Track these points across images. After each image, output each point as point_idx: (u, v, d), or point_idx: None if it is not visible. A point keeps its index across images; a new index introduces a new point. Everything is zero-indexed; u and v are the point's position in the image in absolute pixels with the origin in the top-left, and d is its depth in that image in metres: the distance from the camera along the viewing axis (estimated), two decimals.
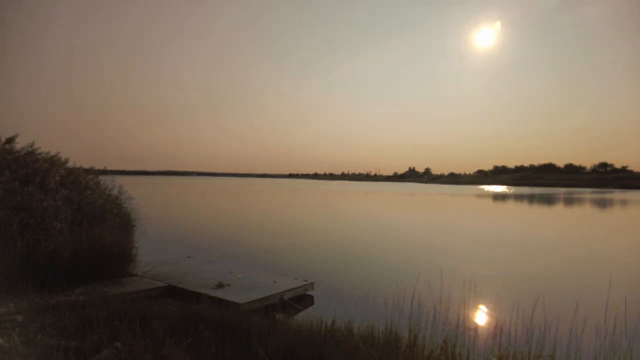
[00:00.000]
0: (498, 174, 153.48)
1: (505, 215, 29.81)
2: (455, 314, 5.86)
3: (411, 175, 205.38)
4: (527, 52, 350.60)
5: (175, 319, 4.74)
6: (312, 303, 7.59)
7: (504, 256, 13.26)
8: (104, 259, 7.22)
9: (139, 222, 9.12)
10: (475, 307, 7.34)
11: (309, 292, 8.01)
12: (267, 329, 4.39)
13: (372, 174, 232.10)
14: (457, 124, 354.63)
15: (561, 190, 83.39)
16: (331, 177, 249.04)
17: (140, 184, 67.93)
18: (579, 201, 47.38)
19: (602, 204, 43.74)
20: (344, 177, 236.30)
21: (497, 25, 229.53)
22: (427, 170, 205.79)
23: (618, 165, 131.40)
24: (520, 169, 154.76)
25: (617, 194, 65.79)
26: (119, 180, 9.78)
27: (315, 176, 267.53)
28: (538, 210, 34.53)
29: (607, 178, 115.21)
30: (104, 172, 9.90)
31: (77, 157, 9.21)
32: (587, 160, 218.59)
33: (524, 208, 37.44)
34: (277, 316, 5.30)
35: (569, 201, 47.35)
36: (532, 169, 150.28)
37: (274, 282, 7.81)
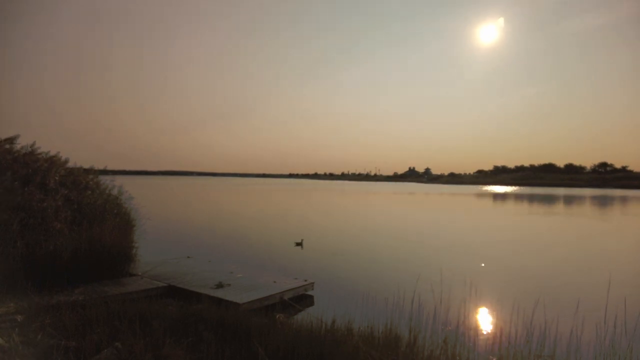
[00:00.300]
0: (498, 174, 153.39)
1: (505, 215, 29.80)
2: (456, 314, 5.87)
3: (411, 175, 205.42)
4: (527, 52, 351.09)
5: (175, 319, 4.73)
6: (312, 303, 7.59)
7: (504, 255, 13.26)
8: (104, 259, 7.22)
9: (139, 222, 9.12)
10: (476, 307, 7.33)
11: (309, 292, 8.00)
12: (267, 329, 4.38)
13: (372, 174, 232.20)
14: (457, 124, 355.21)
15: (561, 190, 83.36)
16: (331, 177, 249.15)
17: (140, 184, 67.94)
18: (579, 201, 47.37)
19: (602, 203, 43.75)
20: (344, 177, 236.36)
21: (500, 21, 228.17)
22: (427, 170, 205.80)
23: (618, 165, 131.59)
24: (520, 169, 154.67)
25: (617, 194, 65.76)
26: (119, 180, 9.79)
27: (315, 176, 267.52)
28: (538, 210, 34.52)
29: (607, 178, 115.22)
30: (104, 172, 9.92)
31: (79, 157, 9.25)
32: (587, 160, 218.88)
33: (524, 208, 37.43)
34: (277, 316, 5.29)
35: (569, 201, 47.35)
36: (532, 169, 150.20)
37: (274, 282, 7.81)
